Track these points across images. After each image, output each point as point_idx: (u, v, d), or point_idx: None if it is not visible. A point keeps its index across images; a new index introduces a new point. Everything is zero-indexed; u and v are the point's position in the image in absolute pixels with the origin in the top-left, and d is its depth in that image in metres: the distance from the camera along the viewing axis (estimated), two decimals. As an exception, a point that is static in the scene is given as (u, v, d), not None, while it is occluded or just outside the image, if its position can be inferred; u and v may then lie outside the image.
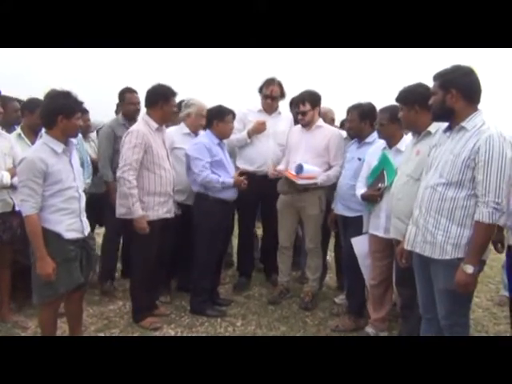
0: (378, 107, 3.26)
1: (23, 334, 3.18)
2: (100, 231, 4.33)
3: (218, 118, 3.55)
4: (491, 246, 2.64)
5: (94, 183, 3.89)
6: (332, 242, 4.28)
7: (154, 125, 3.28)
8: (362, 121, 3.37)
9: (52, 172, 2.44)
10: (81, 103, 2.61)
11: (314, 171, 3.62)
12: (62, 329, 3.02)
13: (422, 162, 2.50)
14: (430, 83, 2.35)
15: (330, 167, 3.73)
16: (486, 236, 2.12)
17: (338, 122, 4.49)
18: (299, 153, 3.74)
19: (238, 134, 4.00)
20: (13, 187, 3.12)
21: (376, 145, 3.24)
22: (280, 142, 4.03)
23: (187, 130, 3.80)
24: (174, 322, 3.46)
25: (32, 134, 3.44)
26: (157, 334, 3.26)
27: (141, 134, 3.16)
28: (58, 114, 2.47)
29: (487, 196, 2.06)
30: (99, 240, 4.04)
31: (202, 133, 3.93)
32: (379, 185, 3.05)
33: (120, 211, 3.26)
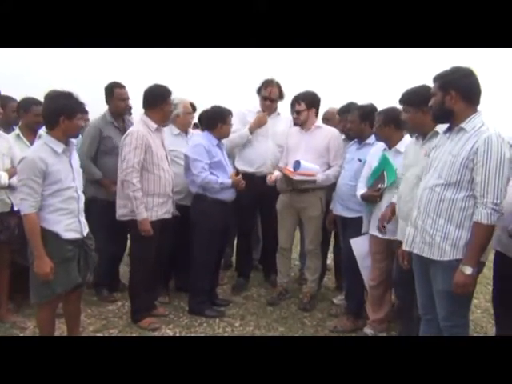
0: (380, 107, 3.29)
1: (21, 335, 3.17)
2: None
3: (221, 121, 3.55)
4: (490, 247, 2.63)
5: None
6: (332, 243, 4.28)
7: (153, 125, 3.29)
8: (362, 122, 3.38)
9: (51, 172, 2.44)
10: (82, 104, 2.62)
11: (312, 169, 3.62)
12: (61, 329, 3.01)
13: None
14: (431, 84, 2.36)
15: (329, 167, 3.73)
16: (485, 237, 2.12)
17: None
18: (299, 153, 3.74)
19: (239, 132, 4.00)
20: (11, 187, 3.12)
21: (377, 146, 3.25)
22: (279, 142, 4.03)
23: (177, 131, 3.81)
24: (173, 323, 3.45)
25: (30, 133, 3.43)
26: (155, 334, 3.26)
27: (141, 135, 3.16)
28: (59, 114, 2.48)
29: (486, 197, 2.06)
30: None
31: (192, 131, 3.96)
32: (379, 185, 3.06)
33: (120, 212, 3.27)
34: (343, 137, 3.86)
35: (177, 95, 3.69)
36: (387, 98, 3.58)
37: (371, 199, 3.11)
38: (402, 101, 2.72)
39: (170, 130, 3.78)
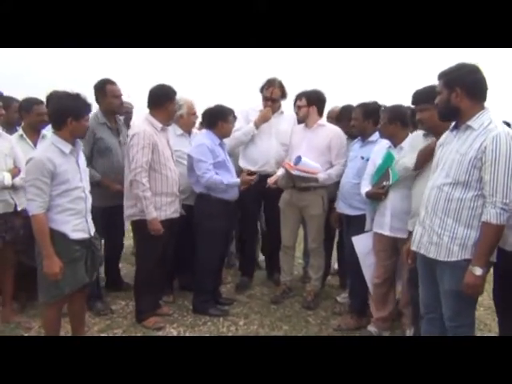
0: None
1: (26, 335, 3.18)
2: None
3: (222, 119, 3.55)
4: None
5: None
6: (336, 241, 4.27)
7: (159, 125, 3.28)
8: (365, 119, 3.37)
9: (59, 172, 2.46)
10: (90, 105, 2.63)
11: (314, 167, 3.61)
12: (65, 329, 3.01)
13: None
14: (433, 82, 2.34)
15: (331, 166, 3.72)
16: (495, 237, 2.08)
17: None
18: (301, 151, 3.73)
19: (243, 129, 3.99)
20: (14, 188, 3.13)
21: (381, 143, 3.23)
22: (283, 141, 4.01)
23: (180, 131, 3.80)
24: (177, 322, 3.46)
25: (33, 134, 3.45)
26: (160, 333, 3.26)
27: (147, 135, 3.16)
28: (67, 115, 2.49)
29: (495, 196, 2.03)
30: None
31: (195, 131, 3.94)
32: (384, 183, 3.04)
33: (129, 212, 3.28)
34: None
35: (181, 95, 3.68)
36: (392, 97, 3.57)
37: (376, 197, 3.09)
38: (417, 100, 2.65)
39: (173, 131, 3.76)
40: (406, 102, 3.24)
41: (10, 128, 3.50)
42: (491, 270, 2.65)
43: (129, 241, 4.40)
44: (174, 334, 3.28)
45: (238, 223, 4.22)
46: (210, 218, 3.47)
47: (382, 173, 3.09)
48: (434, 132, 2.65)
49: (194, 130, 3.95)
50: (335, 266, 4.45)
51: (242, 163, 4.09)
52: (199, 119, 4.18)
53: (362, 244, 3.30)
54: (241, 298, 3.96)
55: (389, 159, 3.04)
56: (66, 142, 2.52)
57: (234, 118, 3.81)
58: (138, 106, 4.69)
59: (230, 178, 3.54)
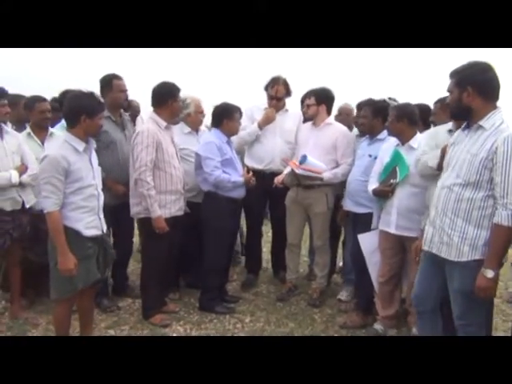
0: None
1: (34, 331, 3.21)
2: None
3: (227, 117, 3.54)
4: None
5: None
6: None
7: (163, 123, 3.29)
8: (374, 117, 3.36)
9: (73, 170, 2.47)
10: (103, 104, 2.66)
11: (319, 166, 3.61)
12: (73, 326, 3.03)
13: None
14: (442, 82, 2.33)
15: (337, 165, 3.71)
16: (506, 239, 2.07)
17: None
18: (307, 150, 3.72)
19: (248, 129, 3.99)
20: (21, 185, 3.14)
21: (389, 141, 3.23)
22: (287, 139, 4.01)
23: (188, 129, 3.80)
24: (183, 319, 3.48)
25: (40, 131, 3.45)
26: (166, 330, 3.28)
27: (151, 133, 3.17)
28: (81, 113, 2.50)
29: (506, 198, 2.01)
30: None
31: (203, 128, 3.94)
32: (391, 181, 3.05)
33: (134, 210, 3.29)
34: (357, 132, 3.85)
35: (188, 94, 3.70)
36: (400, 96, 3.57)
37: (383, 194, 3.10)
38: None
39: (180, 129, 3.77)
40: (411, 100, 3.28)
41: (20, 125, 3.51)
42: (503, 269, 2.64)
43: (135, 238, 4.40)
44: (181, 331, 3.30)
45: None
46: (217, 216, 3.47)
47: (390, 171, 3.10)
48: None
49: (202, 128, 3.94)
50: (340, 263, 4.46)
51: (248, 161, 4.09)
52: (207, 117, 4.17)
53: (367, 242, 3.31)
54: (247, 295, 3.97)
55: (396, 157, 3.05)
56: (79, 139, 2.54)
57: (241, 115, 3.80)
58: (143, 107, 4.72)
59: (237, 177, 3.54)
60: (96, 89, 3.51)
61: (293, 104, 4.18)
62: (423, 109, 3.29)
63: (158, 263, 3.33)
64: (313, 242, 4.06)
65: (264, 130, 4.00)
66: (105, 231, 2.72)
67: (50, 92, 4.11)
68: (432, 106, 3.25)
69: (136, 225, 3.76)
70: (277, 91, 3.98)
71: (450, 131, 2.70)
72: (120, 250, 3.68)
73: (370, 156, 3.38)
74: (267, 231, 4.73)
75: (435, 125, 3.14)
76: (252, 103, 4.25)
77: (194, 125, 3.82)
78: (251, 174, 3.61)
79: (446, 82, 2.31)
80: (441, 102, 3.05)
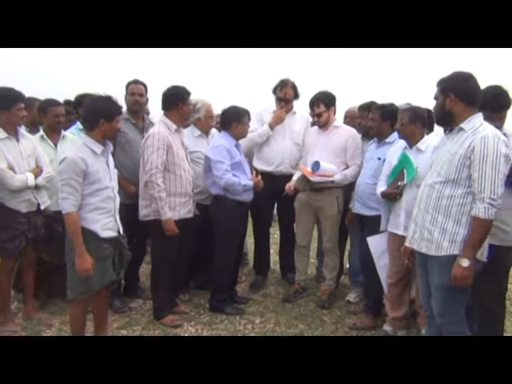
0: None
1: (48, 331, 3.26)
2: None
3: (236, 120, 3.58)
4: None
5: None
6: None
7: (173, 126, 3.33)
8: (383, 121, 3.39)
9: (91, 172, 2.52)
10: (120, 107, 2.70)
11: (331, 169, 3.64)
12: (86, 326, 3.07)
13: None
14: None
15: (347, 167, 3.75)
16: (483, 231, 2.19)
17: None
18: (316, 153, 3.77)
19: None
20: (37, 187, 3.19)
21: (397, 145, 3.26)
22: (296, 141, 4.05)
23: (198, 132, 3.83)
24: (194, 320, 3.51)
25: (53, 134, 3.50)
26: (178, 331, 3.32)
27: (162, 136, 3.21)
28: (99, 117, 2.56)
29: (483, 192, 2.15)
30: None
31: (213, 131, 3.98)
32: (399, 183, 3.08)
33: (143, 212, 3.33)
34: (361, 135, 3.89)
35: (200, 98, 3.73)
36: (403, 98, 3.60)
37: (391, 197, 3.13)
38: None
39: (191, 132, 3.81)
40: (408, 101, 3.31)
41: (33, 128, 3.57)
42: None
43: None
44: (192, 331, 3.34)
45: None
46: (226, 219, 3.51)
47: (397, 173, 3.13)
48: None
49: (212, 131, 3.98)
50: (347, 265, 4.49)
51: (257, 164, 4.13)
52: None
53: (376, 244, 3.34)
54: (255, 296, 4.01)
55: (404, 160, 3.08)
56: (97, 142, 2.59)
57: (249, 118, 3.84)
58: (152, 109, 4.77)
59: (246, 180, 3.58)
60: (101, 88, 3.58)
61: (300, 106, 4.22)
62: (430, 113, 3.32)
63: (167, 265, 3.37)
64: (321, 244, 4.10)
65: (273, 132, 4.04)
66: (121, 232, 2.76)
67: (60, 93, 4.16)
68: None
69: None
70: (285, 94, 4.02)
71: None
72: (132, 250, 3.75)
73: (379, 159, 3.41)
74: (272, 233, 4.76)
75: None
76: (260, 105, 4.29)
77: (204, 128, 3.86)
78: (260, 177, 3.65)
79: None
80: None
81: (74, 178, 2.47)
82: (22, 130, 3.31)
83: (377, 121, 3.43)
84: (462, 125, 2.27)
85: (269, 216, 4.32)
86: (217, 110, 4.14)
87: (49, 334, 3.22)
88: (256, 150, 4.18)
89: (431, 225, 2.32)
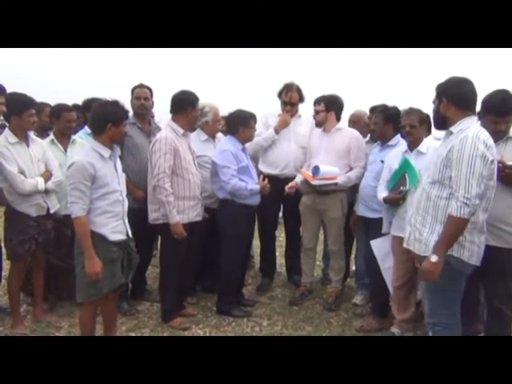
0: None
1: (57, 333, 3.28)
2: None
3: (243, 124, 3.61)
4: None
5: None
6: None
7: (180, 130, 3.37)
8: (385, 124, 3.42)
9: (99, 176, 2.56)
10: (127, 112, 2.74)
11: (333, 172, 3.66)
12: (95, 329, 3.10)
13: None
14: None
15: (350, 169, 3.77)
16: (455, 229, 2.21)
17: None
18: (319, 156, 3.80)
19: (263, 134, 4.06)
20: (46, 191, 3.23)
21: (397, 148, 3.28)
22: (301, 144, 4.08)
23: (205, 137, 3.86)
24: (202, 323, 3.54)
25: (64, 139, 3.55)
26: (186, 333, 3.34)
27: (169, 141, 3.25)
28: (107, 121, 2.59)
29: (457, 191, 2.18)
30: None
31: (219, 135, 4.02)
32: (401, 188, 3.10)
33: (153, 216, 3.36)
34: (367, 138, 3.91)
35: (208, 101, 3.76)
36: (401, 98, 3.63)
37: (394, 202, 3.15)
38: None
39: (198, 136, 3.84)
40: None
41: (43, 132, 3.61)
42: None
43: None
44: (201, 334, 3.36)
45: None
46: (233, 223, 3.54)
47: (399, 178, 3.14)
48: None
49: (218, 135, 4.02)
50: (353, 268, 4.51)
51: (262, 167, 4.16)
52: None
53: (380, 247, 3.36)
54: (262, 299, 4.03)
55: (405, 165, 3.10)
56: (105, 146, 2.63)
57: (255, 122, 3.88)
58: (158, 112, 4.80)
59: (253, 184, 3.60)
60: (107, 89, 3.61)
61: (305, 109, 4.26)
62: (428, 117, 3.35)
63: (176, 268, 3.40)
64: (327, 247, 4.12)
65: (278, 135, 4.07)
66: (130, 236, 2.79)
67: (61, 94, 4.20)
68: None
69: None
70: (291, 97, 4.07)
71: None
72: (139, 253, 3.79)
73: (382, 162, 3.42)
74: (278, 235, 4.77)
75: None
76: (264, 108, 4.35)
77: (211, 132, 3.89)
78: (266, 181, 3.67)
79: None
80: None
81: (83, 182, 2.51)
82: (32, 134, 3.35)
83: (379, 124, 3.46)
84: (452, 128, 2.31)
85: (275, 219, 4.34)
86: (222, 113, 4.18)
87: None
88: (261, 154, 4.21)
89: (421, 225, 2.37)
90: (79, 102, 4.11)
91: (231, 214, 3.56)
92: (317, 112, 3.84)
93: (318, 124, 3.87)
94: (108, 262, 2.60)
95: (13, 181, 3.05)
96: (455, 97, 2.30)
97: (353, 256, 4.36)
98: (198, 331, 3.39)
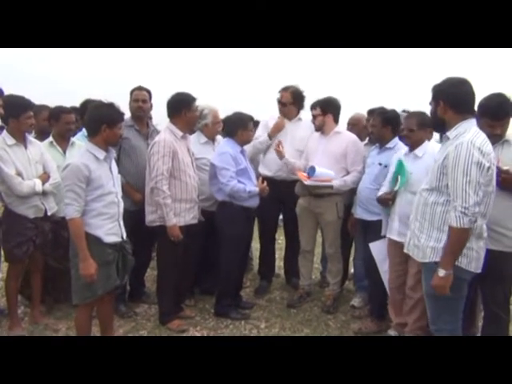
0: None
1: (55, 335, 3.26)
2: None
3: (242, 127, 3.61)
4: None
5: None
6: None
7: (179, 133, 3.37)
8: (384, 126, 3.43)
9: (94, 178, 2.56)
10: (122, 114, 2.74)
11: (328, 175, 3.66)
12: (93, 331, 3.09)
13: None
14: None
15: (347, 173, 3.77)
16: (457, 240, 2.16)
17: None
18: (316, 158, 3.80)
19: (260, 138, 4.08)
20: (44, 193, 3.23)
21: (400, 151, 3.29)
22: (298, 147, 4.06)
23: (204, 139, 3.87)
24: (200, 325, 3.53)
25: (63, 141, 3.56)
26: (184, 335, 3.33)
27: (167, 143, 3.25)
28: (102, 123, 2.60)
29: (455, 201, 2.14)
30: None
31: (219, 138, 4.02)
32: (394, 189, 3.12)
33: (150, 218, 3.36)
34: (366, 141, 3.92)
35: (207, 104, 3.77)
36: (402, 100, 3.64)
37: (384, 202, 3.19)
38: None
39: (197, 139, 3.84)
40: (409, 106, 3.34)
41: (42, 136, 3.62)
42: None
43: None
44: (198, 336, 3.35)
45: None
46: (232, 225, 3.53)
47: (394, 180, 3.16)
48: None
49: (218, 138, 4.02)
50: (351, 270, 4.50)
51: (260, 169, 4.18)
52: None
53: (378, 250, 3.36)
54: (260, 301, 4.02)
55: (399, 166, 3.11)
56: (100, 148, 2.63)
57: (253, 124, 3.89)
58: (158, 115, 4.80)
59: (252, 186, 3.60)
60: (108, 90, 3.62)
61: (307, 113, 4.23)
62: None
63: (173, 270, 3.39)
64: (325, 250, 4.12)
65: (275, 138, 4.07)
66: (124, 238, 2.79)
67: (61, 95, 4.21)
68: None
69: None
70: (282, 97, 4.09)
71: None
72: (137, 256, 3.78)
73: (380, 164, 3.44)
74: (277, 238, 4.77)
75: None
76: (264, 109, 4.38)
77: (211, 135, 3.89)
78: (265, 183, 3.68)
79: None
80: None
81: (78, 184, 2.51)
82: (30, 136, 3.36)
83: (378, 126, 3.46)
84: (448, 133, 2.28)
85: (274, 221, 4.34)
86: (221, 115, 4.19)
87: (55, 339, 3.23)
88: (261, 156, 4.22)
89: (419, 231, 2.36)
90: (79, 102, 4.13)
91: (230, 215, 3.56)
92: (314, 117, 3.85)
93: (318, 128, 3.87)
94: (103, 263, 2.60)
95: (10, 183, 3.06)
96: (452, 99, 2.25)
97: (351, 258, 4.36)
98: (195, 333, 3.39)
